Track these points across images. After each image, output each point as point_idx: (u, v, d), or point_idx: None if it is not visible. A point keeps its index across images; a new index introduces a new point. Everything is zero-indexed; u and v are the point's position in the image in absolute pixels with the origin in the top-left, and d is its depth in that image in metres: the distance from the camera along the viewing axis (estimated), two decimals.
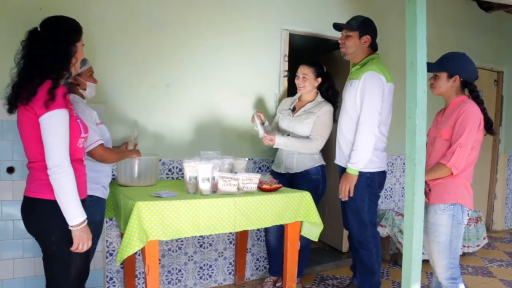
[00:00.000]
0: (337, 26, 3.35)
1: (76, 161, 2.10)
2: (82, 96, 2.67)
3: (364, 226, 3.30)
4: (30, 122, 1.99)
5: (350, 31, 3.24)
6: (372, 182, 3.26)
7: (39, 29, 2.07)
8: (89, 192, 2.51)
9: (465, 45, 4.99)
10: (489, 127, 2.77)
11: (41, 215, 2.06)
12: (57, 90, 1.97)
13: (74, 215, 2.02)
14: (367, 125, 3.10)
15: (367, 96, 3.12)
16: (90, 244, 2.10)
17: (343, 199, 3.24)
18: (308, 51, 5.05)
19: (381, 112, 3.14)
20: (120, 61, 3.24)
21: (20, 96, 2.00)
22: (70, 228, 2.02)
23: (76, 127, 2.10)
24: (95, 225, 2.62)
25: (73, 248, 2.05)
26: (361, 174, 3.21)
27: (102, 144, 2.54)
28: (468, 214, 2.72)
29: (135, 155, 2.92)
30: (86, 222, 2.07)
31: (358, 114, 3.17)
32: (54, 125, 1.96)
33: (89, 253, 2.32)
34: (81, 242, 2.05)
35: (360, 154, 3.12)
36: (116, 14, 3.21)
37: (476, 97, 2.77)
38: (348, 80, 3.37)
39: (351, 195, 3.19)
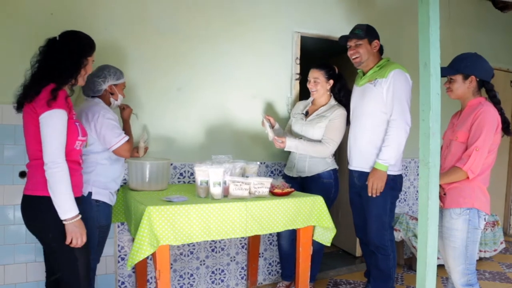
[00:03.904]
0: (344, 38, 3.33)
1: (73, 162, 2.18)
2: (108, 103, 2.79)
3: (384, 230, 3.27)
4: (31, 121, 2.10)
5: (359, 40, 3.25)
6: (395, 185, 3.26)
7: (57, 38, 2.21)
8: (97, 197, 2.59)
9: (480, 46, 4.92)
10: (506, 127, 2.71)
11: (36, 211, 2.13)
12: (60, 92, 2.09)
13: (66, 209, 2.08)
14: (401, 122, 3.08)
15: (398, 93, 3.10)
16: (84, 239, 2.15)
17: (374, 195, 3.15)
18: (320, 54, 5.03)
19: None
20: (131, 65, 3.25)
21: (27, 95, 2.11)
22: (63, 221, 2.08)
23: (74, 129, 2.20)
24: (101, 230, 2.67)
25: (67, 242, 2.11)
26: None
27: (128, 140, 2.70)
28: (484, 218, 2.66)
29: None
30: (79, 217, 2.13)
31: (386, 113, 3.15)
32: (52, 123, 2.06)
33: (89, 249, 2.35)
34: (74, 237, 2.11)
35: (393, 150, 3.09)
36: (126, 18, 3.22)
37: (493, 97, 2.72)
38: (364, 83, 3.30)
39: (381, 190, 3.13)
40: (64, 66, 2.16)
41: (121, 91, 2.84)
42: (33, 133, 2.10)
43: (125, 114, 3.01)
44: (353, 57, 3.29)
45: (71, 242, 2.11)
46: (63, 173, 2.06)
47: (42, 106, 2.04)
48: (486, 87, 2.75)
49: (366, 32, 3.24)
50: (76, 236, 2.11)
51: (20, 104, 2.16)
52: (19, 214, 2.86)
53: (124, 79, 2.85)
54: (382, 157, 3.11)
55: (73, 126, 2.19)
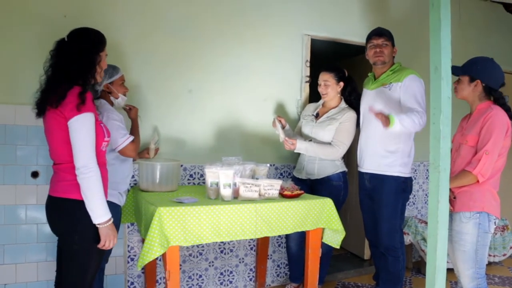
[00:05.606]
0: (374, 33, 3.33)
1: (100, 165, 2.15)
2: (111, 103, 2.78)
3: (395, 232, 3.28)
4: (58, 125, 2.07)
5: (388, 40, 3.29)
6: (407, 187, 3.28)
7: (66, 39, 2.17)
8: None
9: (490, 49, 4.88)
10: None
11: (65, 214, 2.12)
12: (87, 95, 2.07)
13: (101, 213, 2.09)
14: (423, 115, 3.01)
15: (417, 96, 3.12)
16: (116, 241, 2.17)
17: (373, 113, 2.96)
18: (330, 57, 5.03)
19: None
20: (143, 67, 3.28)
21: (49, 100, 2.08)
22: (97, 225, 2.09)
23: (100, 131, 2.19)
24: None
25: (100, 245, 2.12)
26: (397, 178, 3.23)
27: (133, 140, 2.70)
28: (495, 222, 2.65)
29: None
30: (112, 220, 2.14)
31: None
32: (83, 127, 2.04)
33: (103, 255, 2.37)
34: (107, 239, 2.12)
35: (409, 123, 2.92)
36: (139, 21, 3.24)
37: (502, 105, 2.69)
38: (376, 87, 3.32)
39: (385, 126, 2.92)
40: (79, 66, 2.12)
41: (119, 87, 2.80)
42: (61, 138, 2.07)
43: (132, 114, 3.01)
44: (378, 55, 3.28)
45: (101, 245, 2.13)
46: (96, 178, 2.05)
47: (71, 110, 2.02)
48: (493, 95, 2.73)
49: (391, 37, 3.30)
50: (110, 239, 2.12)
51: (40, 110, 2.14)
52: (31, 213, 2.93)
53: (120, 74, 2.79)
54: (399, 119, 2.90)
55: (99, 128, 2.18)
